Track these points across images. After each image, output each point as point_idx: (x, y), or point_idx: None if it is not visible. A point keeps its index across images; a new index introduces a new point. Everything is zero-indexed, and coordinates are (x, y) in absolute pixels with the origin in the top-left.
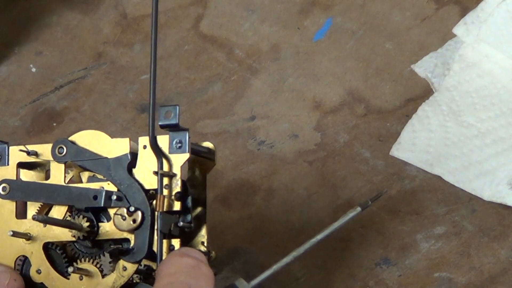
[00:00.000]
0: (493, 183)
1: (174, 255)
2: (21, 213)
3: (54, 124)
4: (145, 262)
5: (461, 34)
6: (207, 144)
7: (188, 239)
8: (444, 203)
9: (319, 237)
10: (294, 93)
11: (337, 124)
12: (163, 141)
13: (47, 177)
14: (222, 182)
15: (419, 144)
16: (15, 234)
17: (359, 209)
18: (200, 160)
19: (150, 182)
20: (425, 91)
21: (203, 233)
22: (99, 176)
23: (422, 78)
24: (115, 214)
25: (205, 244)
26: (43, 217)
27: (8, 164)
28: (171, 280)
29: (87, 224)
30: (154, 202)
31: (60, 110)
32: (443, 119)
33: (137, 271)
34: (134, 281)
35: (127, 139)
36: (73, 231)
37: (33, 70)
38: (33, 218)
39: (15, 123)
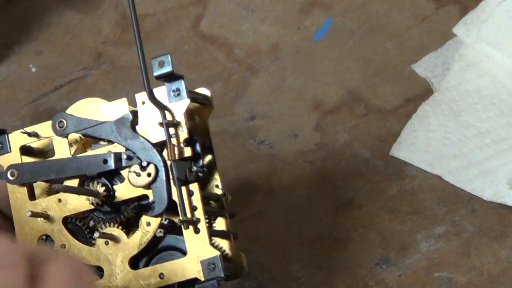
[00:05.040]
0: (493, 183)
1: None
2: (31, 196)
3: None
4: (166, 216)
5: (461, 34)
6: (203, 91)
7: (203, 186)
8: (444, 203)
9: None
10: (294, 93)
11: (337, 124)
12: (160, 93)
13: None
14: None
15: (419, 144)
16: (34, 214)
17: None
18: (198, 107)
19: (155, 135)
20: (425, 91)
21: (216, 177)
22: (104, 143)
23: (422, 78)
24: (129, 172)
25: (220, 187)
26: (63, 186)
27: (10, 151)
28: None
29: (103, 189)
30: (164, 153)
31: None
32: (443, 119)
33: (160, 226)
34: (158, 236)
35: (125, 99)
36: (90, 198)
37: (33, 70)
38: (53, 188)
39: (15, 123)
